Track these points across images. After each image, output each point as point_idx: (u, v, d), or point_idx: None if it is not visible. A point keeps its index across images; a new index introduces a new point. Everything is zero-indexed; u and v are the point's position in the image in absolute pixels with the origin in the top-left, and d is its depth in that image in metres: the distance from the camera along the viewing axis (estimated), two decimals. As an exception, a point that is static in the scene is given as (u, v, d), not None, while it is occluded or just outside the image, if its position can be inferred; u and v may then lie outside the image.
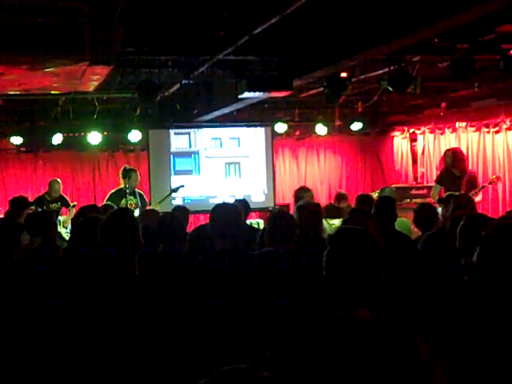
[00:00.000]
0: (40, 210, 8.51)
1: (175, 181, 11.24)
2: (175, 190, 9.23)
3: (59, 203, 9.50)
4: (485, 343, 2.40)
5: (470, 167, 9.91)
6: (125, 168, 9.23)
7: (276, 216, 4.25)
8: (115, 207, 7.78)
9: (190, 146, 11.41)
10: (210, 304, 3.41)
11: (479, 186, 8.53)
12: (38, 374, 3.23)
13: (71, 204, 9.53)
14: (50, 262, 4.48)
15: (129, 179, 8.83)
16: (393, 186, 10.99)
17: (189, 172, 11.41)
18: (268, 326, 3.07)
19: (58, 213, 8.70)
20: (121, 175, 9.12)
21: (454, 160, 8.76)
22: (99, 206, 7.08)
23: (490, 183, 8.96)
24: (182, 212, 5.77)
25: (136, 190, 9.09)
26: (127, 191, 8.72)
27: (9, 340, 3.38)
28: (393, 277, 3.37)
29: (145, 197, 9.34)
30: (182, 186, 9.39)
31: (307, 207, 4.87)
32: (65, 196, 9.96)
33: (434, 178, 11.71)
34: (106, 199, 8.88)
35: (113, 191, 9.17)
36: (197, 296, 3.47)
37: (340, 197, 9.38)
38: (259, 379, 1.39)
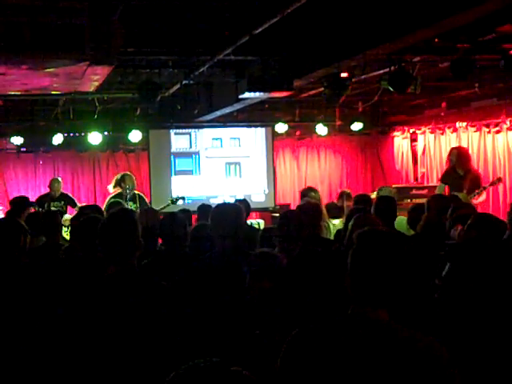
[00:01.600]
0: (41, 209, 8.51)
1: (176, 181, 11.26)
2: (174, 202, 9.16)
3: (62, 202, 9.48)
4: (492, 342, 2.40)
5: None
6: (116, 178, 9.18)
7: (286, 216, 4.26)
8: (123, 202, 7.83)
9: (191, 146, 11.41)
10: (210, 303, 3.42)
11: (482, 187, 8.41)
12: (37, 370, 3.23)
13: (79, 205, 9.49)
14: (51, 262, 4.48)
15: (124, 183, 8.82)
16: (393, 186, 10.97)
17: (189, 172, 11.42)
18: (268, 325, 3.07)
19: (61, 213, 8.70)
20: (113, 184, 9.06)
21: (459, 158, 8.60)
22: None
23: (492, 185, 8.84)
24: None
25: (136, 192, 9.08)
26: (127, 196, 8.73)
27: (8, 338, 3.38)
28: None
29: (146, 200, 9.29)
30: (183, 198, 9.34)
31: (307, 207, 4.88)
32: (70, 195, 9.93)
33: (435, 177, 11.74)
34: (105, 204, 8.86)
35: (112, 195, 9.13)
36: (197, 295, 3.47)
37: (344, 195, 9.38)
38: (229, 373, 1.41)
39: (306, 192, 7.28)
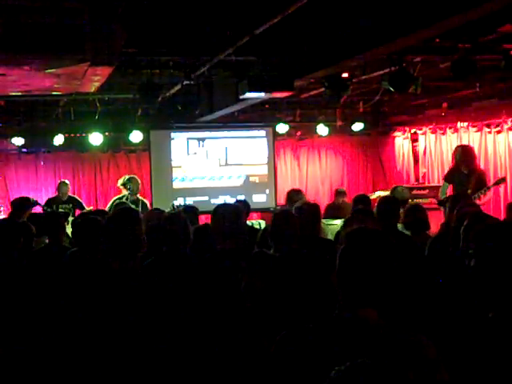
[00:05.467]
0: (50, 210, 8.60)
1: (176, 182, 11.26)
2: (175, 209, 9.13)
3: (70, 204, 9.58)
4: (489, 343, 2.39)
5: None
6: (123, 178, 9.29)
7: (279, 216, 4.25)
8: (127, 203, 7.88)
9: (191, 147, 11.41)
10: (210, 303, 3.42)
11: (486, 187, 8.32)
12: (39, 369, 3.25)
13: (87, 208, 9.56)
14: (54, 262, 4.50)
15: (129, 187, 8.91)
16: (394, 186, 10.96)
17: (190, 172, 11.42)
18: (267, 324, 3.07)
19: (67, 214, 8.77)
20: (120, 186, 9.19)
21: (463, 157, 8.44)
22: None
23: (495, 184, 8.73)
24: (190, 212, 5.79)
25: (140, 198, 9.14)
26: (129, 198, 8.78)
27: (10, 335, 3.39)
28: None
29: (148, 207, 9.34)
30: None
31: (305, 208, 4.87)
32: (78, 198, 10.03)
33: (436, 178, 11.73)
34: (108, 206, 8.91)
35: (116, 198, 9.20)
36: (196, 295, 3.48)
37: (337, 193, 9.56)
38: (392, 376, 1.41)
39: (295, 196, 6.98)
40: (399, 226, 5.54)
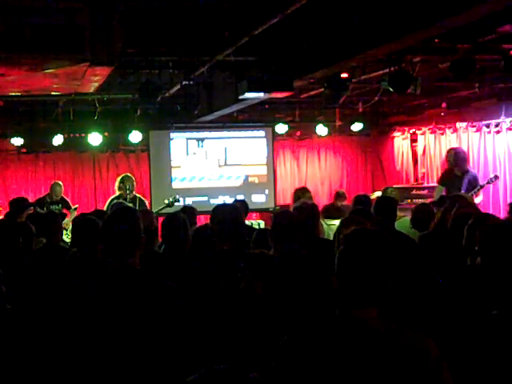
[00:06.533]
0: (41, 211, 8.57)
1: (176, 181, 11.26)
2: (171, 205, 9.09)
3: (60, 205, 9.57)
4: (492, 340, 2.39)
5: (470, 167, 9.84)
6: (118, 180, 9.34)
7: (279, 216, 4.25)
8: (125, 203, 7.89)
9: (191, 147, 11.41)
10: (208, 303, 3.42)
11: (479, 185, 8.45)
12: (38, 370, 3.24)
13: (73, 207, 9.60)
14: (53, 262, 4.49)
15: (123, 185, 8.92)
16: (394, 186, 10.98)
17: (189, 173, 11.42)
18: (267, 325, 3.07)
19: (64, 215, 8.76)
20: (116, 187, 9.22)
21: (456, 159, 8.69)
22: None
23: (489, 182, 8.89)
24: (189, 212, 5.78)
25: (137, 195, 9.14)
26: (127, 198, 8.78)
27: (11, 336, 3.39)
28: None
29: (146, 204, 9.33)
30: (178, 201, 9.29)
31: (304, 208, 4.86)
32: (66, 198, 10.03)
33: (435, 178, 11.73)
34: (106, 206, 8.91)
35: (113, 197, 9.20)
36: (195, 296, 3.48)
37: (337, 195, 9.60)
38: (248, 381, 1.40)
39: (300, 194, 7.33)
40: (408, 224, 5.58)
